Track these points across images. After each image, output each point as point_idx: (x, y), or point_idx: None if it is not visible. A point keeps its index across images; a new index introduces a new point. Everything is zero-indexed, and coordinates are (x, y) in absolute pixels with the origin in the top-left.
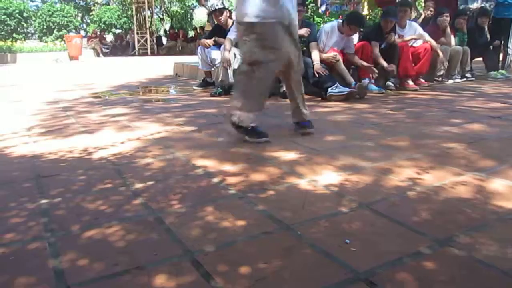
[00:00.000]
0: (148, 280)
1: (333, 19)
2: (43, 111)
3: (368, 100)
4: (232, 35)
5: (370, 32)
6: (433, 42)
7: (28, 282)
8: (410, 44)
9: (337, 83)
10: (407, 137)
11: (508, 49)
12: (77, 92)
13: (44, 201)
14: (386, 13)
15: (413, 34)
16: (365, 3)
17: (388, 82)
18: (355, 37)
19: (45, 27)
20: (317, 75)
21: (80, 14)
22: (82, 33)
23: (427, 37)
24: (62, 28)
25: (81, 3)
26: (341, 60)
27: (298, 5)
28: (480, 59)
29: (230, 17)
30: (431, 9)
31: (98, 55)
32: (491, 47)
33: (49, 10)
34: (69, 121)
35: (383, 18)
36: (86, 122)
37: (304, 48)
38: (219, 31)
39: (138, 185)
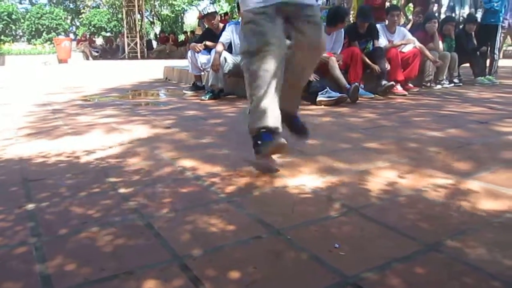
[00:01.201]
0: (137, 285)
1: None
2: (32, 113)
3: (357, 105)
4: (223, 39)
5: (348, 30)
6: (423, 47)
7: (14, 287)
8: (399, 50)
9: (327, 88)
10: (395, 141)
11: (495, 55)
12: (66, 95)
13: (31, 205)
14: (359, 14)
15: (402, 39)
16: (355, 9)
17: (384, 82)
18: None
19: (34, 29)
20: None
21: (69, 17)
22: (72, 36)
23: (416, 42)
24: (51, 30)
25: (71, 6)
26: (336, 64)
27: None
28: (468, 64)
29: (221, 21)
30: (420, 15)
31: (87, 58)
32: (478, 53)
33: (38, 13)
34: (57, 124)
35: (358, 20)
36: (75, 125)
37: None
38: (210, 35)
39: (127, 189)
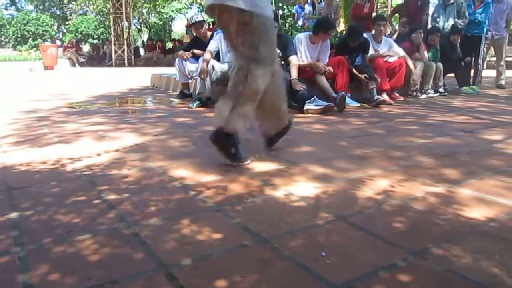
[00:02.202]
0: None
1: None
2: (16, 121)
3: (344, 114)
4: (211, 47)
5: (339, 45)
6: (408, 59)
7: None
8: (385, 60)
9: (315, 97)
10: (381, 150)
11: (479, 65)
12: (52, 102)
13: (14, 213)
14: (348, 34)
15: (388, 49)
16: (341, 18)
17: (376, 96)
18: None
19: (19, 35)
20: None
21: (56, 24)
22: (58, 42)
23: (401, 52)
24: (38, 37)
25: (58, 13)
26: (323, 75)
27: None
28: (453, 74)
29: (209, 29)
30: (406, 25)
31: (74, 65)
32: (462, 63)
33: (24, 19)
34: (43, 131)
35: (348, 39)
36: (61, 133)
37: (282, 62)
38: (198, 43)
39: (113, 198)
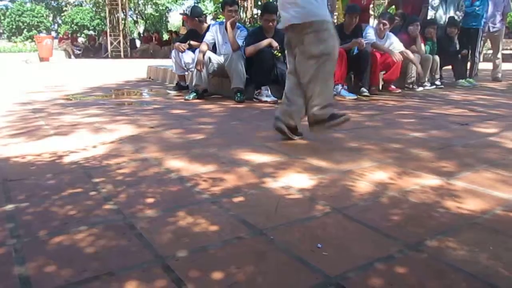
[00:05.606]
0: (118, 286)
1: None
2: (12, 113)
3: (340, 106)
4: (208, 39)
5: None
6: (409, 53)
7: None
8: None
9: None
10: (378, 142)
11: (476, 58)
12: (48, 94)
13: (10, 205)
14: (347, 8)
15: (390, 45)
16: (339, 11)
17: (362, 88)
18: None
19: (14, 27)
20: None
21: (51, 15)
22: (53, 34)
23: (402, 47)
24: (33, 28)
25: (53, 4)
26: None
27: (272, 14)
28: (449, 67)
29: (204, 21)
30: (396, 17)
31: (69, 57)
32: (459, 56)
33: (18, 10)
34: (39, 123)
35: (346, 14)
36: (57, 125)
37: (279, 55)
38: (194, 35)
39: (109, 190)
